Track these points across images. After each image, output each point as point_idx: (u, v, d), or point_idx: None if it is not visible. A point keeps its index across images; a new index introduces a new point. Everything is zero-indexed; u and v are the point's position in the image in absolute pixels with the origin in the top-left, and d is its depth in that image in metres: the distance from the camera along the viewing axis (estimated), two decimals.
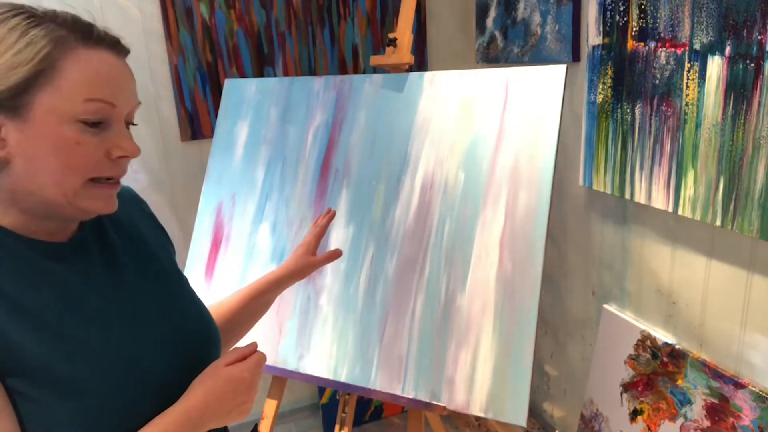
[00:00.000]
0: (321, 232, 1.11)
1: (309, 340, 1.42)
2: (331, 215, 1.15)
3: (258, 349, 0.78)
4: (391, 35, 1.51)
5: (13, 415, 0.61)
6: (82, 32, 0.65)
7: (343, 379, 1.36)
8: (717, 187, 1.19)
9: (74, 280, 0.69)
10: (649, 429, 1.43)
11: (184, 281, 0.86)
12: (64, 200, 0.65)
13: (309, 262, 1.07)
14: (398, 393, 1.30)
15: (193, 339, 0.79)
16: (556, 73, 1.28)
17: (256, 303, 1.01)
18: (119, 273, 0.75)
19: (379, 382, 1.32)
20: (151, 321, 0.74)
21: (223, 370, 0.72)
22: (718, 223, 1.19)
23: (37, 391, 0.62)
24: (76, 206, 0.66)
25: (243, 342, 1.02)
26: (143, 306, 0.75)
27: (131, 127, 0.73)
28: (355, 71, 2.05)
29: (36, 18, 0.63)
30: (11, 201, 0.65)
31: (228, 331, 0.97)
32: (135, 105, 0.71)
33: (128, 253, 0.78)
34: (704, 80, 1.19)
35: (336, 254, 1.10)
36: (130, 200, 0.87)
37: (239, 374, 0.72)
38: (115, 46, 0.69)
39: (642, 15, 1.32)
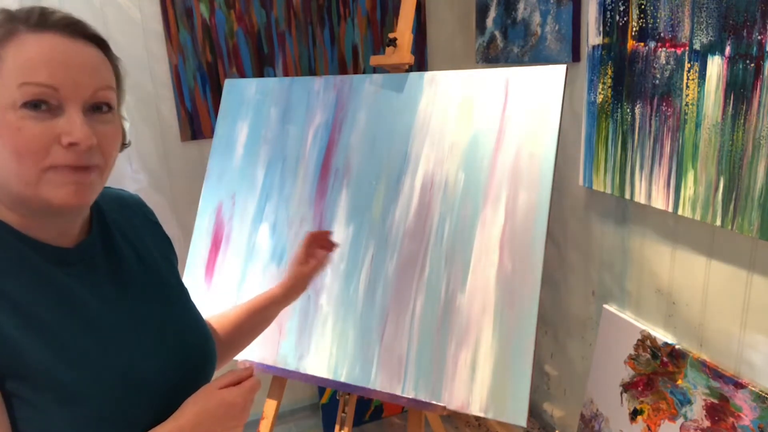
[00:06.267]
0: (309, 243, 1.12)
1: (309, 340, 1.42)
2: (324, 232, 1.16)
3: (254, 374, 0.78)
4: (391, 35, 1.51)
5: (6, 420, 0.61)
6: (29, 18, 0.63)
7: (343, 379, 1.36)
8: (717, 187, 1.19)
9: (77, 287, 0.69)
10: (649, 429, 1.43)
11: (184, 293, 0.86)
12: (27, 191, 0.63)
13: (301, 271, 1.07)
14: (398, 393, 1.30)
15: (190, 351, 0.79)
16: (556, 73, 1.28)
17: (257, 318, 1.02)
18: (123, 282, 0.75)
19: (379, 382, 1.32)
20: (151, 332, 0.74)
21: (217, 392, 0.72)
22: (718, 223, 1.19)
23: (36, 395, 0.62)
24: (40, 197, 0.63)
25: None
26: (144, 317, 0.75)
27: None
28: (355, 71, 2.05)
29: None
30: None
31: (228, 343, 0.97)
32: (97, 87, 0.65)
33: (132, 262, 0.78)
34: (704, 80, 1.19)
35: (325, 258, 1.10)
36: (137, 208, 0.87)
37: (232, 399, 0.72)
38: (67, 28, 0.64)
39: (642, 15, 1.32)
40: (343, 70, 2.04)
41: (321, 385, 1.98)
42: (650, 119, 1.34)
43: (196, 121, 1.90)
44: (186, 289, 0.87)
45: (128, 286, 0.75)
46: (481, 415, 1.21)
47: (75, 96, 0.63)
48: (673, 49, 1.25)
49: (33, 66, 0.61)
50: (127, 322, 0.72)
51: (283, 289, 1.06)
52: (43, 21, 0.63)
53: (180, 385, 0.74)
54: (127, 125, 0.77)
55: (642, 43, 1.33)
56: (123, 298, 0.73)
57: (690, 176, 1.25)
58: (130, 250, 0.78)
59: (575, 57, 1.61)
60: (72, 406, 0.63)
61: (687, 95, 1.23)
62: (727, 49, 1.13)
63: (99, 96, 0.66)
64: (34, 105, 0.61)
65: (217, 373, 0.83)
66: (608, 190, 1.50)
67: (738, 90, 1.11)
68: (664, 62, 1.28)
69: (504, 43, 1.92)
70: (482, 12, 2.02)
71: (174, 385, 0.74)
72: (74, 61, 0.64)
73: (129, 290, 0.75)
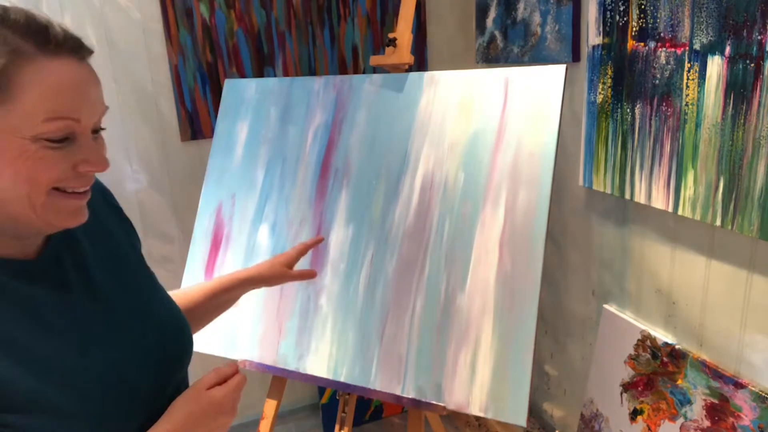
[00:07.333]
0: (304, 251, 1.12)
1: (309, 340, 1.42)
2: (319, 240, 1.19)
3: (239, 370, 0.78)
4: (391, 35, 1.51)
5: None
6: (38, 38, 0.59)
7: (343, 379, 1.36)
8: (717, 187, 1.19)
9: (47, 299, 0.66)
10: (649, 429, 1.43)
11: (153, 278, 0.84)
12: (32, 214, 0.61)
13: (283, 272, 1.07)
14: (398, 393, 1.30)
15: (170, 341, 0.79)
16: (556, 73, 1.28)
17: (220, 299, 1.00)
18: (92, 283, 0.72)
19: (379, 382, 1.32)
20: (128, 329, 0.73)
21: (204, 393, 0.73)
22: (718, 223, 1.19)
23: (23, 420, 0.60)
24: (45, 220, 0.62)
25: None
26: (119, 314, 0.73)
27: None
28: (355, 71, 2.05)
29: None
30: None
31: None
32: (102, 112, 0.65)
33: (99, 257, 0.75)
34: (704, 80, 1.18)
35: (310, 274, 1.10)
36: (97, 193, 0.81)
37: (220, 399, 0.73)
38: (77, 50, 0.62)
39: (642, 15, 1.32)
40: (343, 70, 2.04)
41: (321, 385, 1.98)
42: (650, 119, 1.34)
43: (196, 121, 1.90)
44: (153, 274, 0.85)
45: (98, 285, 0.73)
46: (481, 415, 1.21)
47: (90, 124, 0.63)
48: (673, 49, 1.25)
49: (61, 99, 0.59)
50: (102, 325, 0.71)
51: (257, 273, 1.04)
52: (57, 44, 0.60)
53: (164, 376, 0.75)
54: None
55: (642, 43, 1.33)
56: (95, 300, 0.72)
57: (690, 176, 1.25)
58: (95, 242, 0.76)
59: (575, 57, 1.61)
60: (62, 424, 0.62)
61: (687, 95, 1.23)
62: (727, 49, 1.13)
63: (101, 119, 0.66)
64: (58, 139, 0.60)
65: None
66: (608, 190, 1.50)
67: (738, 90, 1.11)
68: (664, 62, 1.28)
69: (504, 43, 1.92)
70: (482, 12, 2.02)
71: (158, 377, 0.74)
72: (89, 89, 0.63)
73: (99, 290, 0.73)
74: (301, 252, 1.11)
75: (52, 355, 0.63)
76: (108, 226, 0.80)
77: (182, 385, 0.80)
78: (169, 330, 0.79)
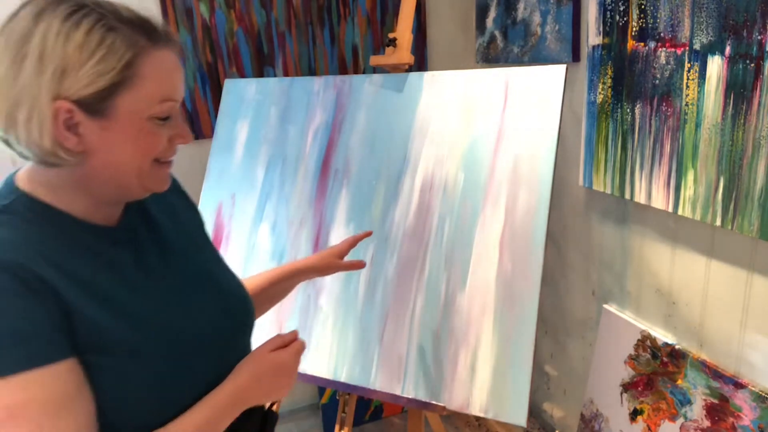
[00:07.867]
0: (354, 243, 1.18)
1: (309, 340, 1.42)
2: (368, 233, 1.23)
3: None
4: (391, 35, 1.51)
5: (90, 395, 0.67)
6: (147, 32, 0.69)
7: (343, 379, 1.36)
8: (717, 187, 1.19)
9: (128, 261, 0.76)
10: (649, 429, 1.43)
11: (219, 257, 0.92)
12: (137, 182, 0.72)
13: (334, 263, 1.13)
14: (398, 393, 1.30)
15: (234, 305, 0.86)
16: (556, 73, 1.28)
17: (277, 288, 1.07)
18: (165, 251, 0.81)
19: (379, 382, 1.32)
20: (197, 293, 0.81)
21: (268, 355, 0.80)
22: (718, 223, 1.19)
23: (114, 362, 0.69)
24: (145, 186, 0.73)
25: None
26: (189, 279, 0.81)
27: None
28: (355, 71, 2.05)
29: (104, 18, 0.66)
30: (84, 188, 0.71)
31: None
32: (184, 92, 0.76)
33: (170, 231, 0.84)
34: (704, 80, 1.18)
35: (360, 264, 1.15)
36: None
37: (282, 360, 0.80)
38: (172, 39, 0.72)
39: (642, 15, 1.32)
40: (343, 70, 2.04)
41: (321, 385, 1.98)
42: (650, 119, 1.34)
43: (196, 121, 1.90)
44: (217, 250, 0.93)
45: (170, 253, 0.81)
46: (481, 415, 1.21)
47: (179, 103, 0.74)
48: (673, 49, 1.25)
49: (170, 84, 0.71)
50: (174, 287, 0.79)
51: (310, 263, 1.11)
52: (159, 36, 0.70)
53: (229, 335, 0.82)
54: None
55: (642, 43, 1.33)
56: (168, 266, 0.80)
57: (690, 176, 1.25)
58: (165, 219, 0.85)
59: (575, 57, 1.61)
60: (144, 365, 0.70)
61: (687, 95, 1.23)
62: (727, 49, 1.13)
63: None
64: (166, 116, 0.72)
65: None
66: (608, 190, 1.50)
67: (738, 90, 1.11)
68: (664, 62, 1.28)
69: (504, 43, 1.92)
70: (482, 12, 2.02)
71: (224, 336, 0.81)
72: (181, 73, 0.74)
73: (171, 256, 0.81)
74: (351, 244, 1.17)
75: (135, 307, 0.72)
76: (175, 206, 0.89)
77: (246, 353, 0.86)
78: (234, 298, 0.87)
